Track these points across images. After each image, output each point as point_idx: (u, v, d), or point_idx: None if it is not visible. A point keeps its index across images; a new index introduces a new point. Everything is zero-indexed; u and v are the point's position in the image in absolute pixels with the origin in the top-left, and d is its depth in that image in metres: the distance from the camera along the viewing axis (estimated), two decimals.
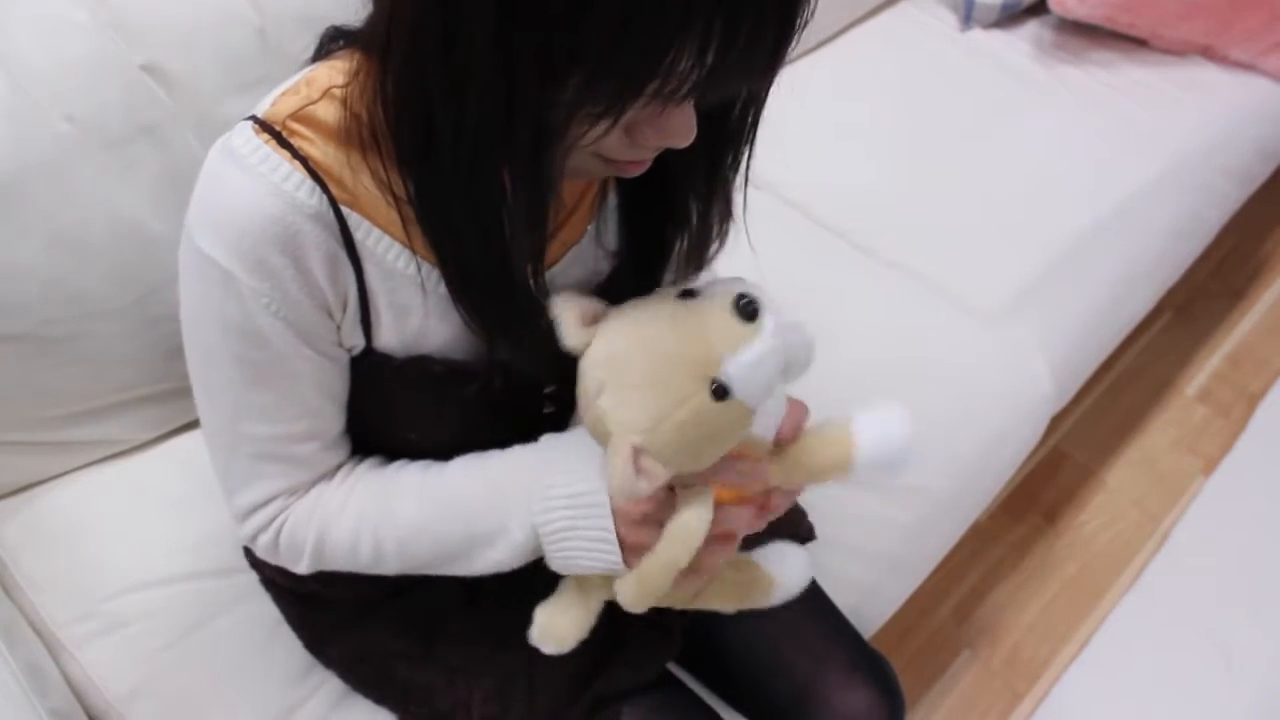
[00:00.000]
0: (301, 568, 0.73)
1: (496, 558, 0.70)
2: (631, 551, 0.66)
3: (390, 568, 0.73)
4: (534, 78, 0.48)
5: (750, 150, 0.65)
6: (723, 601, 0.74)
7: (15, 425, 0.94)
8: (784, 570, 0.75)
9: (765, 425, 0.67)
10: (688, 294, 0.63)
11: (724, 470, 0.66)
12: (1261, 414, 1.80)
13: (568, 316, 0.63)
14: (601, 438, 0.63)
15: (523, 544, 0.68)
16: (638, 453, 0.60)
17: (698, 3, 0.45)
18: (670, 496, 0.66)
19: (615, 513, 0.66)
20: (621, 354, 0.62)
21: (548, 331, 0.64)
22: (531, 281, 0.61)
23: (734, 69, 0.48)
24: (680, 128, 0.55)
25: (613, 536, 0.66)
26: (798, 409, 0.70)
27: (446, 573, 0.73)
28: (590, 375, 0.62)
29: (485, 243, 0.58)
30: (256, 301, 0.60)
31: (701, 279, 0.66)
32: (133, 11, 0.90)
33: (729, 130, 0.63)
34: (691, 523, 0.64)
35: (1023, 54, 1.70)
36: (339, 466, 0.73)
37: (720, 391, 0.59)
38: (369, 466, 0.73)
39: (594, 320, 0.65)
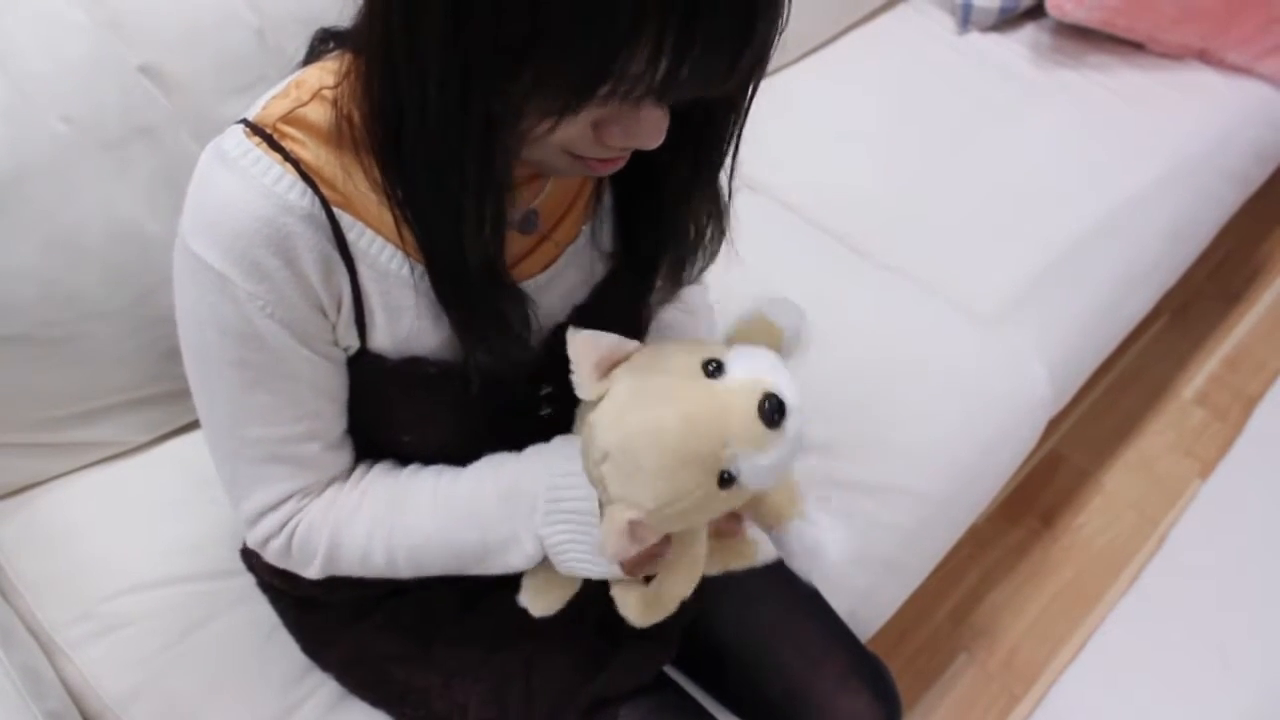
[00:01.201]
0: (312, 572, 0.73)
1: (510, 562, 0.71)
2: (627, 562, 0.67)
3: (403, 573, 0.73)
4: (483, 72, 0.49)
5: (734, 156, 0.65)
6: (706, 567, 0.73)
7: (12, 426, 0.94)
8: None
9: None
10: (714, 364, 0.60)
11: None
12: (1259, 417, 1.80)
13: (583, 365, 0.61)
14: (600, 493, 0.62)
15: (534, 553, 0.69)
16: (635, 525, 0.59)
17: (650, 7, 0.44)
18: None
19: None
20: (633, 434, 0.58)
21: (517, 331, 0.64)
22: (493, 278, 0.61)
23: (691, 76, 0.48)
24: (648, 130, 0.54)
25: None
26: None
27: (460, 574, 0.74)
28: (597, 440, 0.60)
29: (450, 236, 0.59)
30: (252, 304, 0.60)
31: (731, 349, 0.63)
32: (131, 12, 0.90)
33: (711, 134, 0.63)
34: (694, 558, 0.66)
35: (1020, 57, 1.70)
36: (350, 469, 0.73)
37: (727, 481, 0.58)
38: (382, 471, 0.73)
39: (611, 366, 0.62)
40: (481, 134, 0.52)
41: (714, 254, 0.75)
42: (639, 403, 0.59)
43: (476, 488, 0.70)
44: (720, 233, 0.73)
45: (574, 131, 0.54)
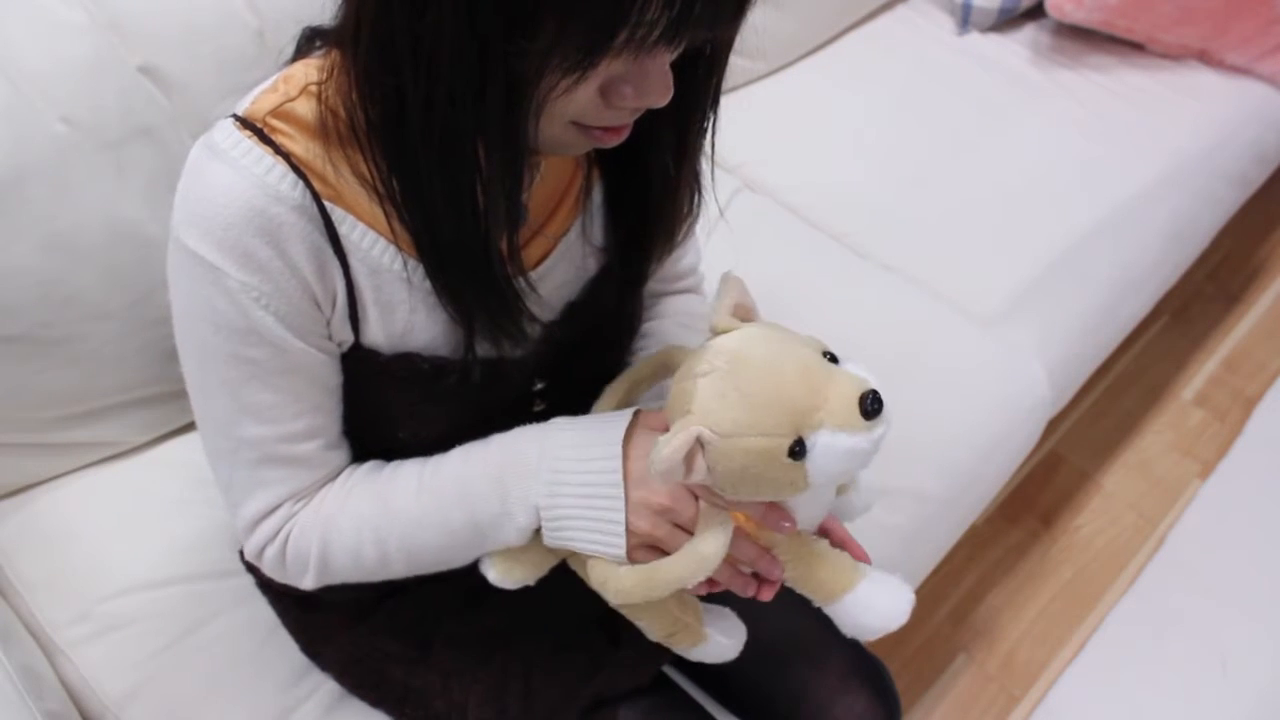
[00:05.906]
0: (307, 582, 0.72)
1: (504, 539, 0.69)
2: (636, 538, 0.65)
3: (397, 569, 0.72)
4: (502, 34, 0.49)
5: (715, 117, 0.66)
6: (649, 623, 0.73)
7: (11, 426, 0.94)
8: (721, 631, 0.75)
9: (807, 518, 0.67)
10: (830, 355, 0.64)
11: (750, 506, 0.66)
12: (1258, 418, 1.80)
13: (726, 300, 0.66)
14: (675, 411, 0.63)
15: (526, 527, 0.67)
16: (700, 444, 0.60)
17: None
18: (691, 500, 0.65)
19: (634, 501, 0.65)
20: (750, 359, 0.62)
21: (528, 319, 0.64)
22: (507, 255, 0.61)
23: (703, 14, 0.49)
24: (657, 85, 0.55)
25: (622, 529, 0.65)
26: (838, 532, 0.73)
27: (455, 564, 0.72)
28: (713, 349, 0.63)
29: (460, 220, 0.58)
30: (246, 296, 0.59)
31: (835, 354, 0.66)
32: (130, 13, 0.90)
33: (694, 97, 0.63)
34: (711, 548, 0.64)
35: (1020, 58, 1.70)
36: (341, 470, 0.72)
37: (797, 451, 0.59)
38: (368, 469, 0.73)
39: (743, 316, 0.67)
40: (502, 104, 0.52)
41: (694, 223, 0.76)
42: (766, 341, 0.63)
43: (463, 467, 0.69)
44: (701, 202, 0.73)
45: (584, 97, 0.54)
